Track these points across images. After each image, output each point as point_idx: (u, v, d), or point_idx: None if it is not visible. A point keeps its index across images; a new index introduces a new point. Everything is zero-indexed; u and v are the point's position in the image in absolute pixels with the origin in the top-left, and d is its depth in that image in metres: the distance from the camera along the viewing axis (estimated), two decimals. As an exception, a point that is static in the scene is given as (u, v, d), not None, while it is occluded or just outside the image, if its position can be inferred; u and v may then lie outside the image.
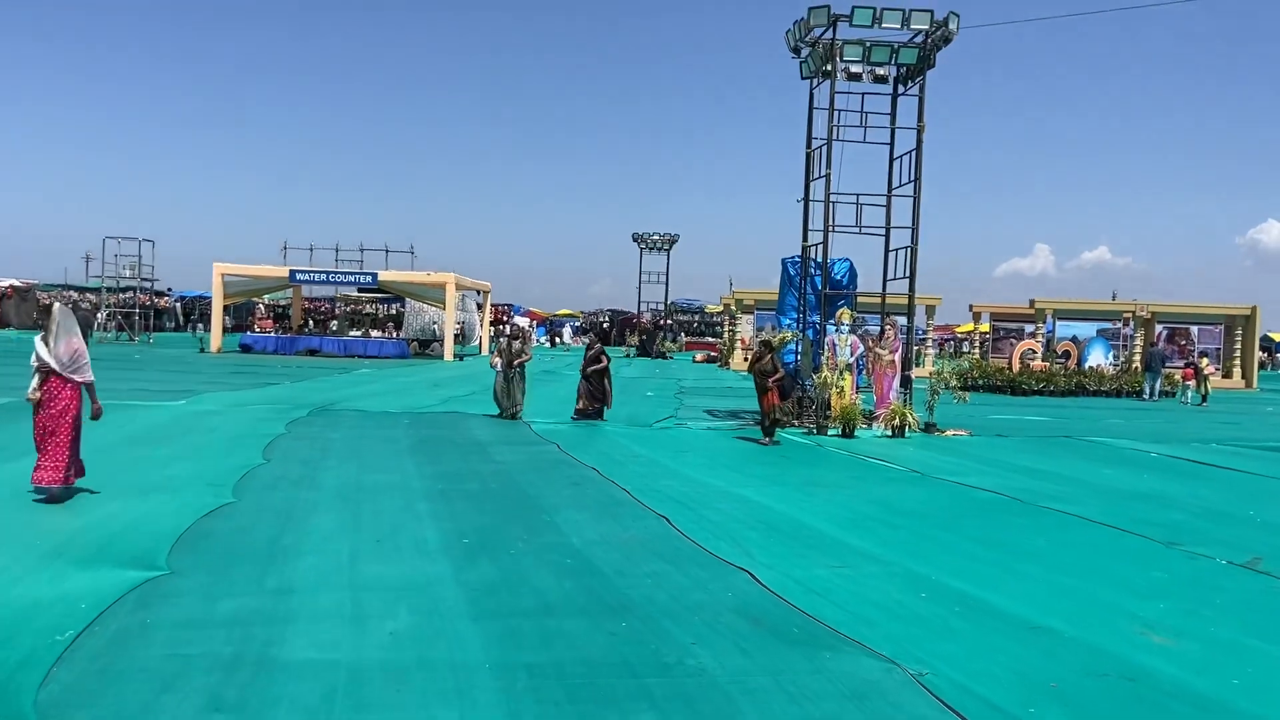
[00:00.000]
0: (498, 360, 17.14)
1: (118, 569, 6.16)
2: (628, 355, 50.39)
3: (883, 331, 16.95)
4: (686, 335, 64.01)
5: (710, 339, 57.06)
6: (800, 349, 16.98)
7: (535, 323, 71.29)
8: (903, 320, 17.61)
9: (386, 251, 47.42)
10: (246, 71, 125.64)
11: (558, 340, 64.46)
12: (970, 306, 39.21)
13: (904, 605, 6.09)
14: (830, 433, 15.71)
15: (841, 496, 10.15)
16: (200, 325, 58.75)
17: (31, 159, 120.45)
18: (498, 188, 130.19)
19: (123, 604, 5.46)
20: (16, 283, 69.07)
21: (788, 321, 18.00)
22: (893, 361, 16.61)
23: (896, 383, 16.60)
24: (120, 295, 53.04)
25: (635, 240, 56.95)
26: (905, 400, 16.40)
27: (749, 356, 20.28)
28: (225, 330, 46.96)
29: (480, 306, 49.67)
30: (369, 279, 42.27)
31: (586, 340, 17.25)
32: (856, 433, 15.64)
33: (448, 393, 22.06)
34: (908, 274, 16.74)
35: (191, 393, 19.47)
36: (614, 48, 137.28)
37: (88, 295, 62.91)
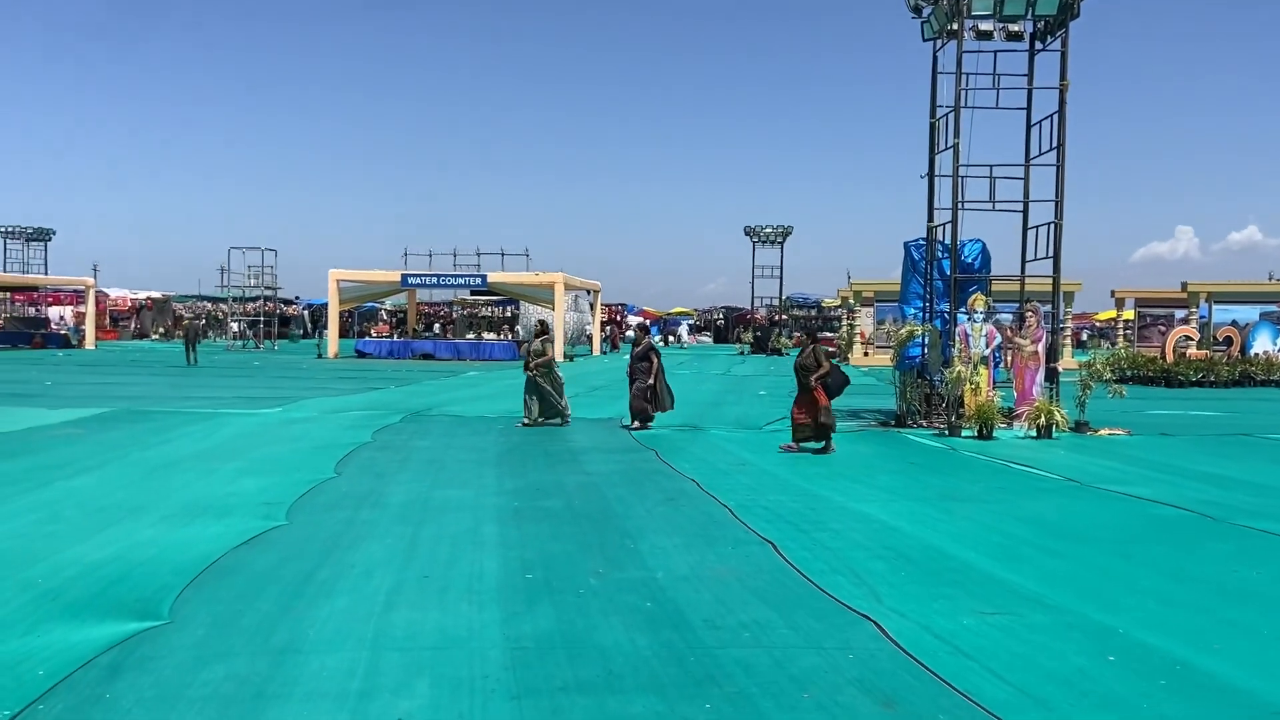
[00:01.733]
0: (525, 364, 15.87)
1: (108, 619, 5.18)
2: (741, 353, 48.82)
3: (1023, 319, 15.04)
4: (802, 332, 61.91)
5: (828, 334, 54.87)
6: (928, 341, 15.24)
7: (649, 322, 70.40)
8: (1046, 306, 15.65)
9: (502, 254, 47.30)
10: (357, 79, 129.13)
11: (671, 339, 63.30)
12: (1112, 292, 36.11)
13: (1089, 675, 4.55)
14: (965, 434, 13.94)
15: (986, 514, 8.53)
16: (323, 332, 59.89)
17: (166, 174, 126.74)
18: (609, 188, 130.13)
19: (90, 669, 4.44)
20: (155, 295, 72.41)
21: (912, 311, 16.26)
22: (1035, 352, 14.70)
23: (1040, 376, 14.68)
24: (249, 304, 54.64)
25: (747, 234, 55.30)
26: (1051, 395, 14.48)
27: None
28: (345, 336, 47.73)
29: (592, 306, 48.97)
30: (479, 281, 42.02)
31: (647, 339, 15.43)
32: (995, 433, 13.83)
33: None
34: (1051, 253, 14.80)
35: (291, 399, 19.03)
36: (724, 36, 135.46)
37: (220, 306, 65.34)
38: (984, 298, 14.76)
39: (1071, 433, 14.25)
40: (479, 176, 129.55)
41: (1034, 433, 13.93)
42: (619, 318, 68.30)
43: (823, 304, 65.67)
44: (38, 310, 56.50)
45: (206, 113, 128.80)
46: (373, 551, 6.75)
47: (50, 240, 56.90)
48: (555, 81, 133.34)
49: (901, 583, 6.16)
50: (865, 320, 39.53)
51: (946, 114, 15.17)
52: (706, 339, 66.30)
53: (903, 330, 15.29)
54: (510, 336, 47.08)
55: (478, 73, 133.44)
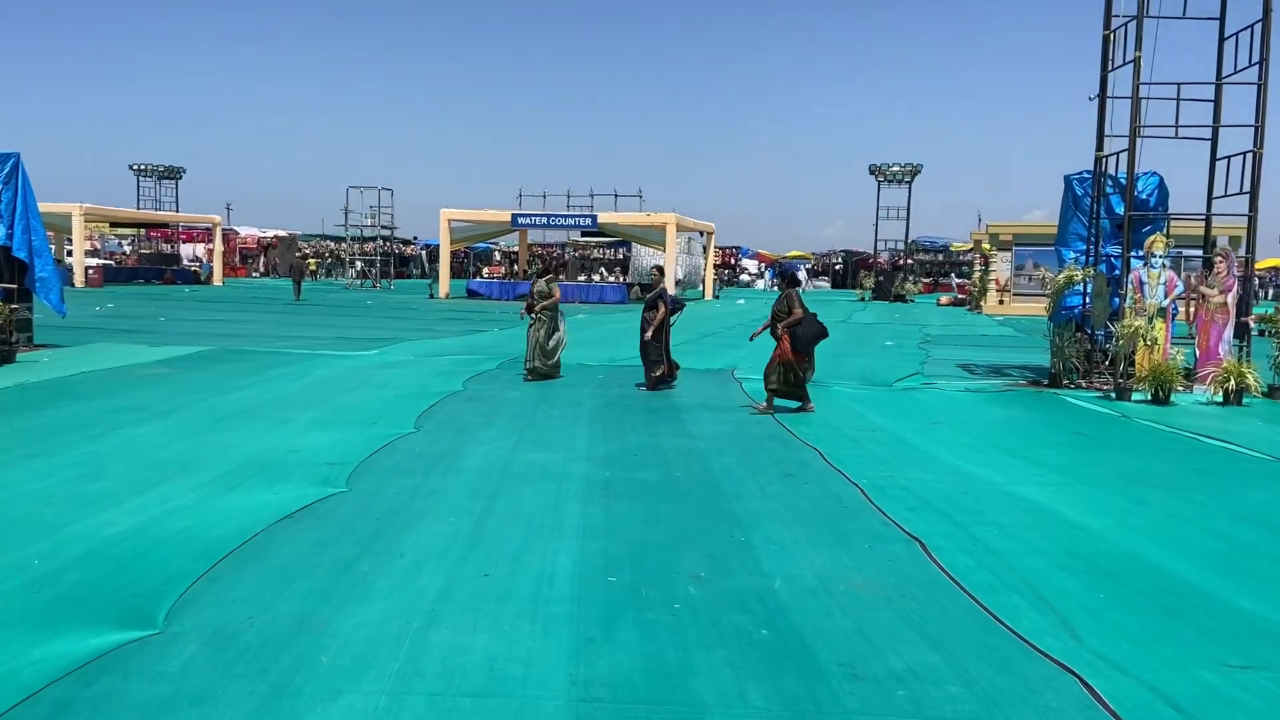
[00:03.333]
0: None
1: (88, 625, 4.17)
2: (862, 299, 46.52)
3: (1210, 264, 12.87)
4: (929, 277, 58.88)
5: (959, 280, 51.86)
6: (1091, 289, 13.25)
7: (765, 265, 68.25)
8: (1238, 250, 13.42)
9: (615, 196, 46.07)
10: (469, 26, 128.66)
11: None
12: (1287, 237, 32.37)
13: None
14: (1136, 398, 12.02)
15: (1190, 507, 6.84)
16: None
17: (293, 119, 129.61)
18: (726, 127, 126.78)
19: (32, 706, 3.39)
20: (282, 233, 74.19)
21: (1072, 255, 14.22)
22: (1224, 304, 12.55)
23: (1228, 332, 12.56)
24: (369, 244, 55.04)
25: (872, 173, 52.41)
26: (1243, 355, 12.37)
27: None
28: (460, 276, 47.57)
29: (705, 250, 47.36)
30: (589, 221, 40.91)
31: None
32: (1173, 398, 11.87)
33: (658, 342, 19.76)
34: (1248, 188, 12.55)
35: (391, 341, 18.31)
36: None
37: (341, 245, 66.30)
38: (1164, 239, 12.66)
39: (1265, 398, 12.15)
40: (594, 118, 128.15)
41: (1219, 398, 11.91)
42: (734, 261, 66.41)
43: (951, 248, 62.27)
44: (172, 247, 58.30)
45: (335, 53, 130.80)
46: (430, 535, 5.61)
47: (181, 179, 58.33)
48: (668, 21, 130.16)
49: (1103, 609, 4.65)
50: (1001, 266, 36.75)
51: (1126, 23, 12.96)
52: (824, 284, 63.84)
53: (1061, 276, 13.34)
54: (622, 279, 45.99)
55: (593, 14, 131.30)
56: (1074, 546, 5.73)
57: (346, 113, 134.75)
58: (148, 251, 56.51)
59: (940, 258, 62.75)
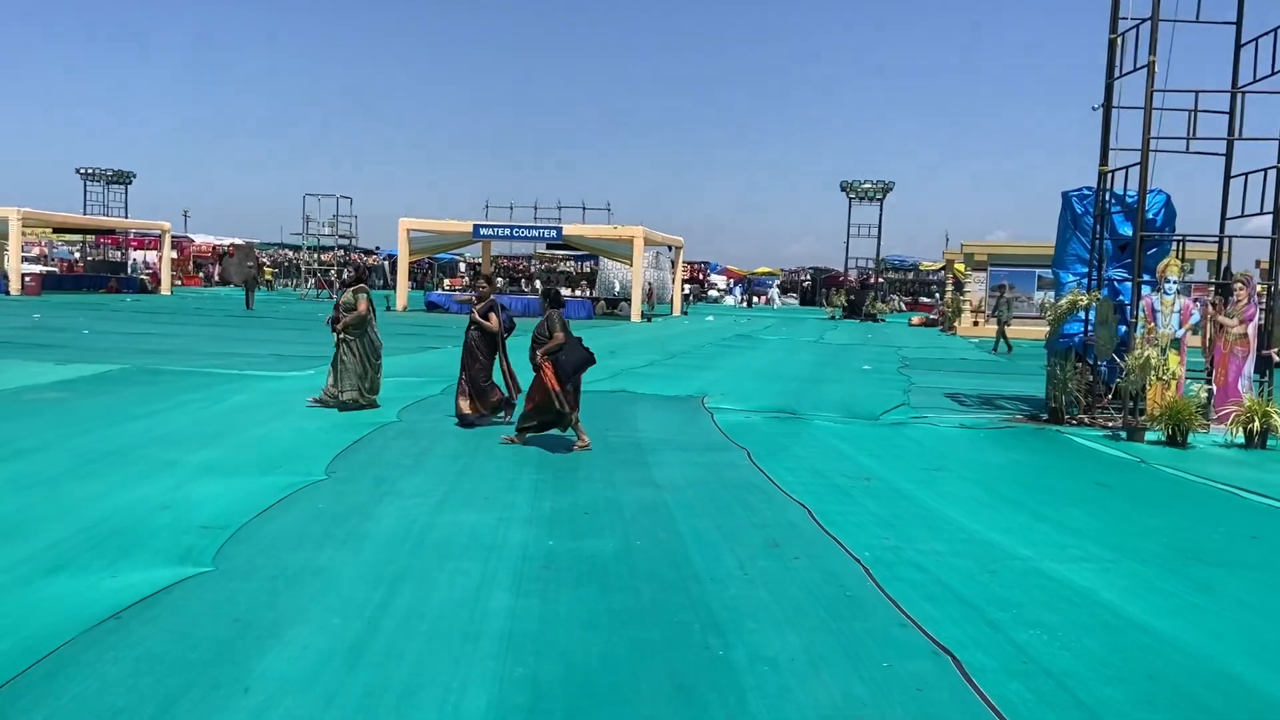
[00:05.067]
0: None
1: None
2: (832, 317, 45.46)
3: (1228, 291, 11.70)
4: (909, 296, 58.10)
5: (926, 300, 51.04)
6: (1095, 316, 12.05)
7: (733, 281, 67.17)
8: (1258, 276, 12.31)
9: (583, 209, 44.64)
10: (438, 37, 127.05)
11: (759, 300, 60.05)
12: None
13: None
14: (1149, 438, 10.80)
15: (1266, 595, 5.54)
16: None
17: (251, 124, 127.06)
18: (696, 141, 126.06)
19: None
20: (238, 241, 72.03)
21: (1071, 278, 13.06)
22: (1245, 335, 11.38)
23: (1249, 366, 11.39)
24: (328, 253, 53.15)
25: (844, 189, 51.49)
26: (1265, 391, 11.21)
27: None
28: (424, 288, 45.94)
29: (673, 264, 46.10)
30: (554, 234, 39.46)
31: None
32: (1190, 439, 10.66)
33: (623, 362, 18.40)
34: (1272, 208, 11.42)
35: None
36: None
37: (302, 253, 64.32)
38: (1178, 263, 11.50)
39: (1289, 441, 10.99)
40: (560, 131, 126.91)
41: (1240, 439, 10.72)
42: (702, 276, 65.25)
43: (921, 266, 61.58)
44: (122, 254, 56.03)
45: (287, 60, 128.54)
46: (298, 650, 4.15)
47: (130, 184, 56.25)
48: (637, 32, 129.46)
49: (1226, 786, 3.31)
50: (975, 287, 35.83)
51: (1135, 26, 11.82)
52: (792, 301, 62.83)
53: (1063, 301, 12.13)
54: (588, 294, 44.57)
55: (559, 23, 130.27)
56: (1149, 662, 4.40)
57: (309, 120, 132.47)
58: (95, 259, 54.26)
59: (910, 276, 62.04)
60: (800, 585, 5.36)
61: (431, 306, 38.25)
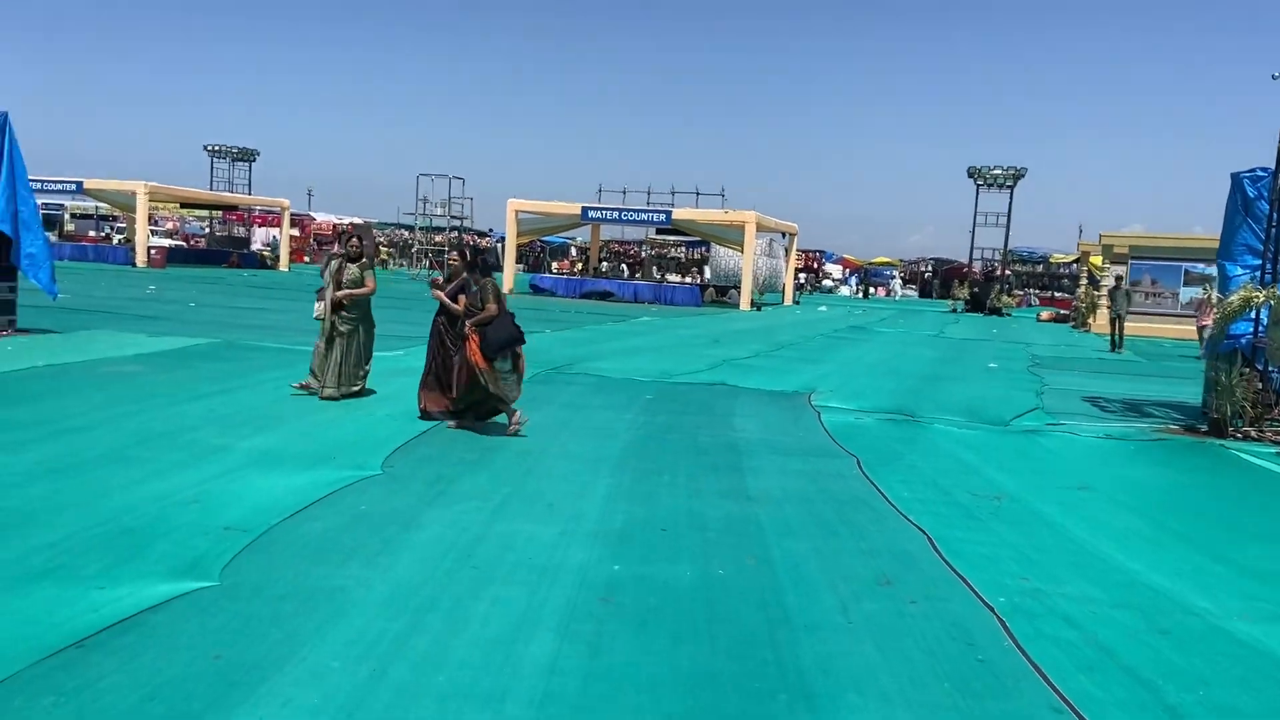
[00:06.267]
0: (320, 308, 9.56)
1: None
2: (953, 310, 43.23)
3: None
4: (1045, 290, 55.16)
5: (1064, 295, 48.15)
6: (1269, 316, 10.43)
7: (849, 271, 65.00)
8: None
9: (696, 194, 43.50)
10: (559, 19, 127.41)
11: (875, 290, 57.87)
12: None
13: None
14: (1338, 462, 9.20)
15: None
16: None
17: (378, 106, 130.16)
18: (810, 126, 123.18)
19: None
20: (358, 220, 73.64)
21: (1239, 271, 11.41)
22: None
23: None
24: (442, 234, 53.58)
25: (971, 175, 48.90)
26: None
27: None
28: (537, 270, 45.78)
29: (786, 252, 44.59)
30: (663, 218, 38.50)
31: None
32: (1390, 465, 9.01)
33: (725, 352, 17.37)
34: None
35: (422, 340, 16.19)
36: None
37: (415, 233, 65.25)
38: (1381, 256, 9.77)
39: None
40: (678, 116, 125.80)
41: None
42: (816, 265, 63.33)
43: (1051, 259, 58.31)
44: (247, 230, 57.73)
45: (405, 41, 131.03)
46: (273, 707, 3.32)
47: (254, 161, 57.88)
48: (756, 14, 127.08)
49: None
50: (1112, 281, 33.27)
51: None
52: (912, 292, 60.38)
53: (1234, 298, 10.52)
54: (697, 280, 43.52)
55: (675, 5, 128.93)
56: None
57: (427, 102, 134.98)
58: (221, 234, 56.01)
59: (1040, 269, 58.86)
60: (918, 641, 4.29)
61: (536, 290, 37.91)
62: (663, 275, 44.11)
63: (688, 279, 43.18)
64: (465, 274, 8.61)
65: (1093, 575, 5.44)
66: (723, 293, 38.82)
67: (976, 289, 45.68)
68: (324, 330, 9.46)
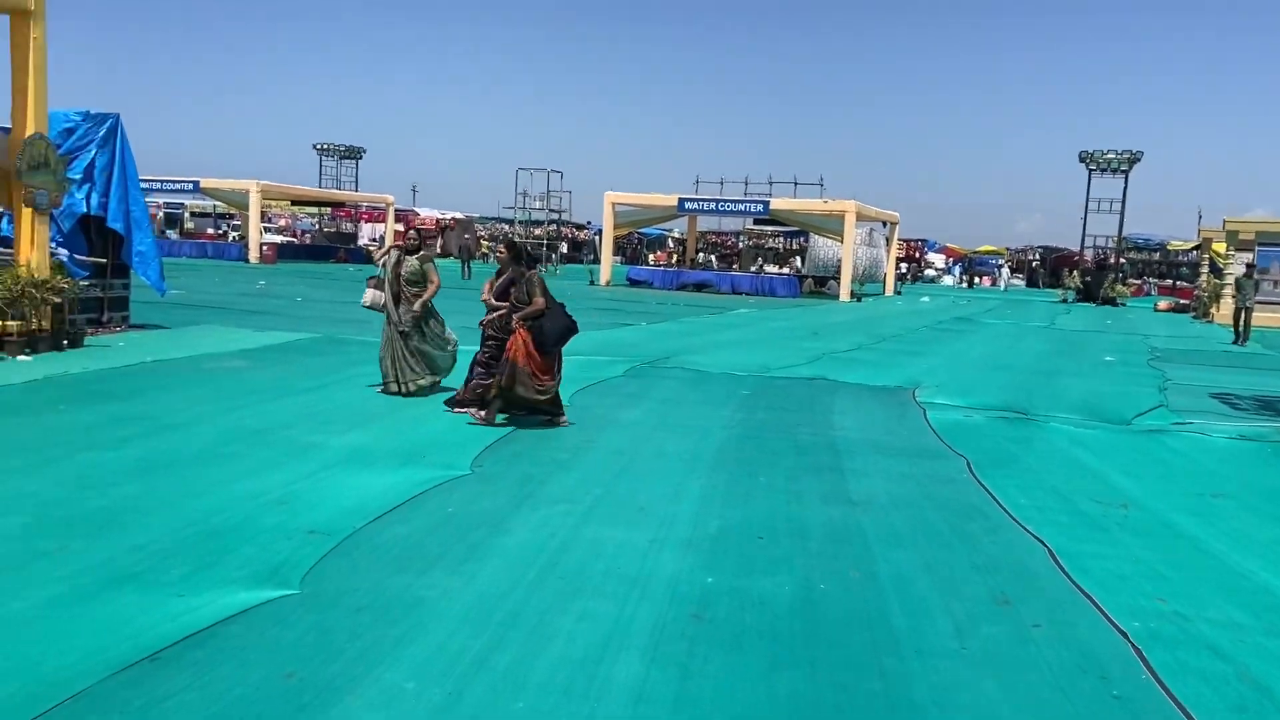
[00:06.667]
0: (373, 297, 9.50)
1: None
2: (1064, 300, 41.43)
3: None
4: (1166, 279, 52.52)
5: (1185, 284, 45.68)
6: None
7: (952, 260, 63.04)
8: None
9: (795, 184, 42.72)
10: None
11: (978, 281, 55.99)
12: None
13: None
14: None
15: None
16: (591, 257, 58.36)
17: (479, 103, 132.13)
18: (915, 110, 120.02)
19: None
20: (459, 215, 74.92)
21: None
22: None
23: None
24: (540, 228, 54.09)
25: (1083, 160, 46.76)
26: None
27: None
28: (634, 262, 45.80)
29: (887, 241, 43.44)
30: (760, 208, 37.92)
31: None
32: None
33: (825, 345, 16.87)
34: None
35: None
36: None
37: (515, 226, 66.09)
38: None
39: None
40: (774, 103, 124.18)
41: None
42: (918, 254, 61.59)
43: (1168, 246, 55.45)
44: (353, 226, 59.28)
45: (509, 38, 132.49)
46: (353, 724, 3.15)
47: (361, 158, 59.35)
48: (849, 2, 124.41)
49: None
50: (1239, 269, 31.32)
51: None
52: (1019, 282, 58.20)
53: None
54: (795, 270, 42.75)
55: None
56: None
57: (528, 97, 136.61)
58: (329, 230, 57.62)
59: (1156, 256, 56.07)
60: (1044, 673, 3.88)
61: (633, 282, 37.79)
62: (760, 266, 43.46)
63: (785, 270, 42.42)
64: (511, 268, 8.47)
65: (1239, 596, 4.91)
66: (821, 284, 38.03)
67: (1088, 278, 43.71)
68: (385, 326, 9.31)
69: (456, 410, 8.57)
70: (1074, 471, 7.73)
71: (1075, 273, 45.69)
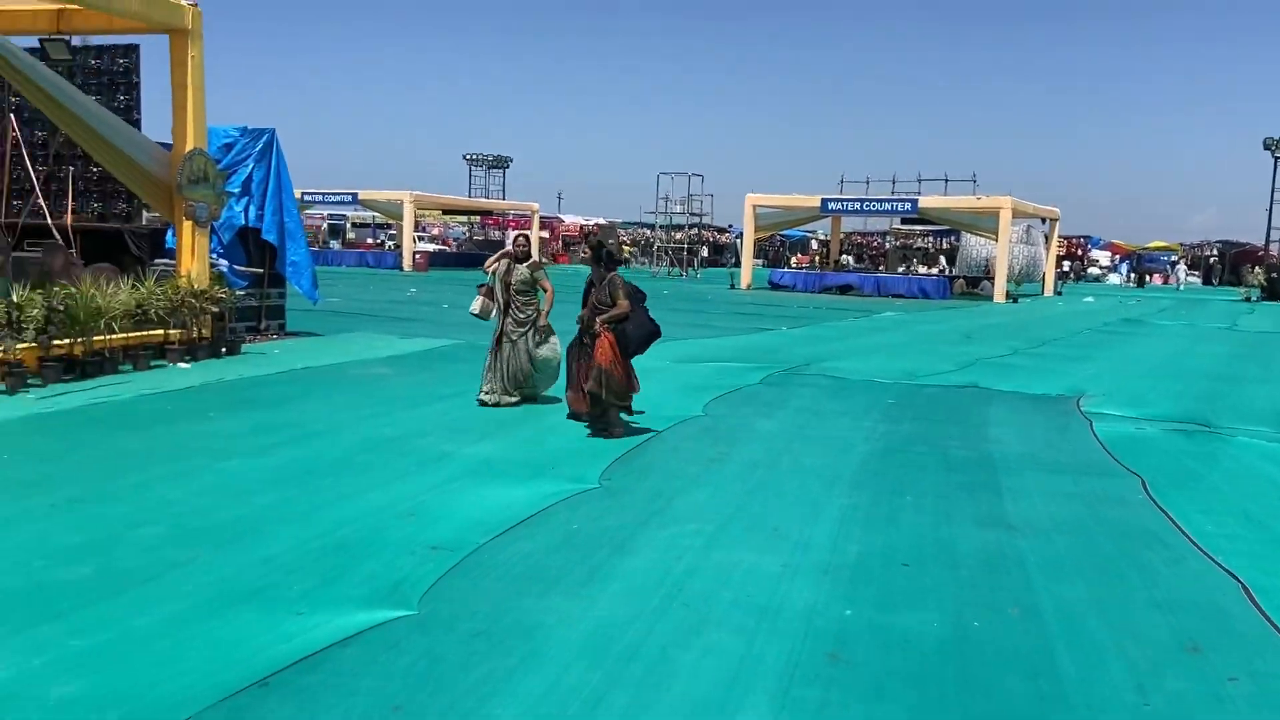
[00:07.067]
0: (482, 305, 9.24)
1: None
2: (1247, 298, 38.26)
3: None
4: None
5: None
6: None
7: (1119, 257, 59.33)
8: None
9: (945, 181, 41.11)
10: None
11: (1148, 279, 52.45)
12: None
13: None
14: None
15: None
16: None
17: (620, 110, 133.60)
18: (1078, 100, 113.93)
19: None
20: (602, 221, 75.85)
21: None
22: None
23: None
24: (680, 232, 54.10)
25: (1268, 147, 43.27)
26: None
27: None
28: (776, 265, 45.20)
29: (1047, 239, 41.19)
30: (908, 206, 36.65)
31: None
32: None
33: (977, 349, 15.98)
34: None
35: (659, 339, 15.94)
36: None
37: (656, 231, 66.38)
38: None
39: None
40: (925, 96, 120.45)
41: None
42: (1081, 252, 58.27)
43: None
44: (501, 234, 60.86)
45: (649, 44, 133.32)
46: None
47: (508, 168, 60.87)
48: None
49: None
50: None
51: None
52: (1195, 279, 54.25)
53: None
54: (946, 271, 41.12)
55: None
56: None
57: (668, 102, 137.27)
58: (478, 238, 59.31)
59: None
60: (1245, 743, 3.32)
61: (774, 286, 37.14)
62: (908, 267, 42.00)
63: (935, 270, 40.83)
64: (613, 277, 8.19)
65: None
66: (974, 284, 36.42)
67: (1275, 274, 40.24)
68: (496, 334, 9.09)
69: (576, 420, 8.35)
70: (1268, 492, 6.91)
71: (1259, 269, 42.18)
